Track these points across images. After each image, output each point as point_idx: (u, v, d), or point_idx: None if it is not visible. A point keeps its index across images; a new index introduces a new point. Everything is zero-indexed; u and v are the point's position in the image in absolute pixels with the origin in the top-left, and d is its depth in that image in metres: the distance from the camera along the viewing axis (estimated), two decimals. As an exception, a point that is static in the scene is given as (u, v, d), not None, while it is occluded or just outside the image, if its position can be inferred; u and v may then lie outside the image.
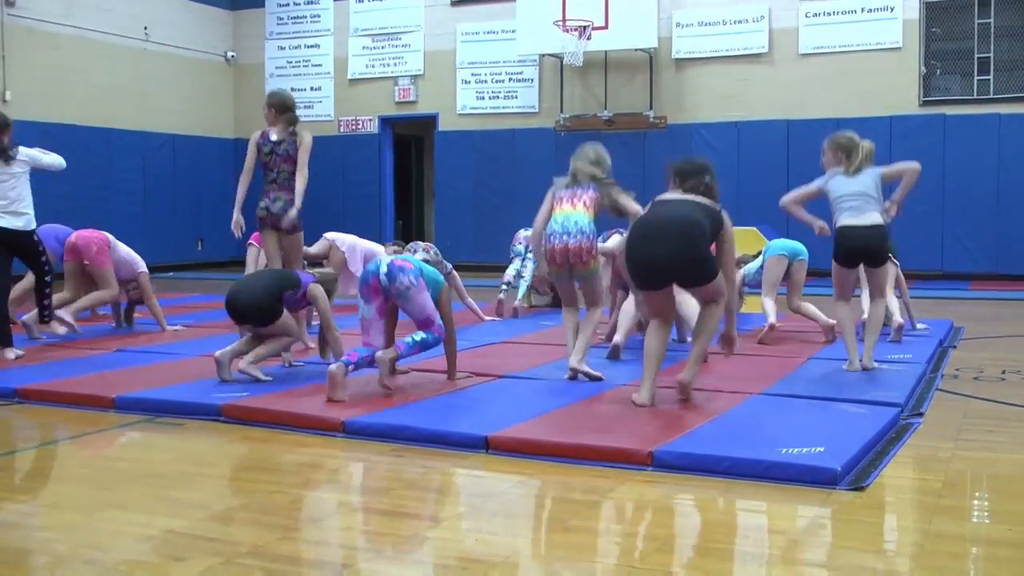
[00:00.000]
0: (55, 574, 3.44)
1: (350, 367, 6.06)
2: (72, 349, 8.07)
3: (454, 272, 9.99)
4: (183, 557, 3.51)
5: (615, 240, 9.17)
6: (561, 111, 16.90)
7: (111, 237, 9.01)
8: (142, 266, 9.12)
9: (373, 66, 18.83)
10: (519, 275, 10.55)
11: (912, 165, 6.90)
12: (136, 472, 4.84)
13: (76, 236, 8.88)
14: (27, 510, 4.23)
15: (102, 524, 3.96)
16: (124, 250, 9.04)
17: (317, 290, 6.97)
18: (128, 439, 5.48)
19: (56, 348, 8.11)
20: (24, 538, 3.84)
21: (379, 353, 6.15)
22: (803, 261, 8.57)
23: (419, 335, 6.29)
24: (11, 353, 7.59)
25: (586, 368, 6.54)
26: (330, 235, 10.83)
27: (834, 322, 7.77)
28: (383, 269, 6.26)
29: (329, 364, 6.20)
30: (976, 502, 4.38)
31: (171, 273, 17.13)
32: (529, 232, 9.35)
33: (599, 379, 6.49)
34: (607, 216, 6.84)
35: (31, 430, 5.87)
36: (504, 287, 10.47)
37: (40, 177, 7.97)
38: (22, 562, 3.58)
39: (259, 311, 6.68)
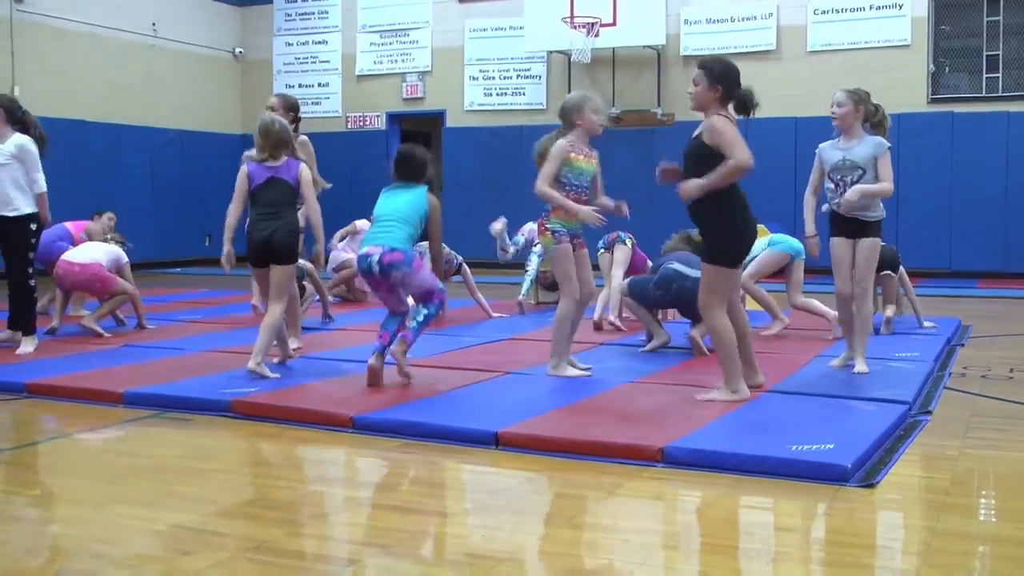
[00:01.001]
0: (63, 568, 3.45)
1: (385, 352, 6.30)
2: (80, 344, 8.08)
3: (465, 266, 10.00)
4: (190, 552, 3.52)
5: (622, 251, 9.19)
6: (569, 108, 16.87)
7: (99, 260, 8.78)
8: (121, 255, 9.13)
9: (381, 62, 18.83)
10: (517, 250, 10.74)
11: (888, 187, 6.51)
12: (144, 467, 4.84)
13: (71, 281, 8.70)
14: (35, 504, 4.25)
15: (110, 518, 3.96)
16: (110, 256, 8.97)
17: (305, 171, 6.79)
18: (136, 434, 5.48)
19: (65, 343, 8.12)
20: (32, 532, 3.85)
21: (392, 348, 6.26)
22: (802, 260, 8.61)
23: (421, 314, 6.38)
24: (30, 345, 7.69)
25: (566, 372, 6.56)
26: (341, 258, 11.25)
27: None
28: (376, 269, 6.31)
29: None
30: (983, 500, 4.37)
31: (179, 269, 17.16)
32: (534, 224, 9.34)
33: (586, 374, 6.57)
34: (611, 219, 6.79)
35: (40, 425, 5.88)
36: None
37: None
38: (31, 556, 3.58)
39: (288, 248, 6.67)
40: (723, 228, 5.73)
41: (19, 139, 7.55)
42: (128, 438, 5.43)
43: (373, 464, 4.96)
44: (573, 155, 6.39)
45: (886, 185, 6.47)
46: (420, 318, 6.38)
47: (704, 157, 5.68)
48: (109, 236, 9.48)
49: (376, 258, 6.29)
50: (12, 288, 7.64)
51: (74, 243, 9.52)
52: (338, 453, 5.12)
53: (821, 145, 6.74)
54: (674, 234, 8.43)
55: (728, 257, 5.77)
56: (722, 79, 5.74)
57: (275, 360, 6.87)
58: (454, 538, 3.76)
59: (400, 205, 6.45)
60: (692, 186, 5.63)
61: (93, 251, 8.91)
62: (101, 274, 8.71)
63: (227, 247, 6.76)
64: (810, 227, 6.79)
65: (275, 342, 6.80)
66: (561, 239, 6.47)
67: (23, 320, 7.68)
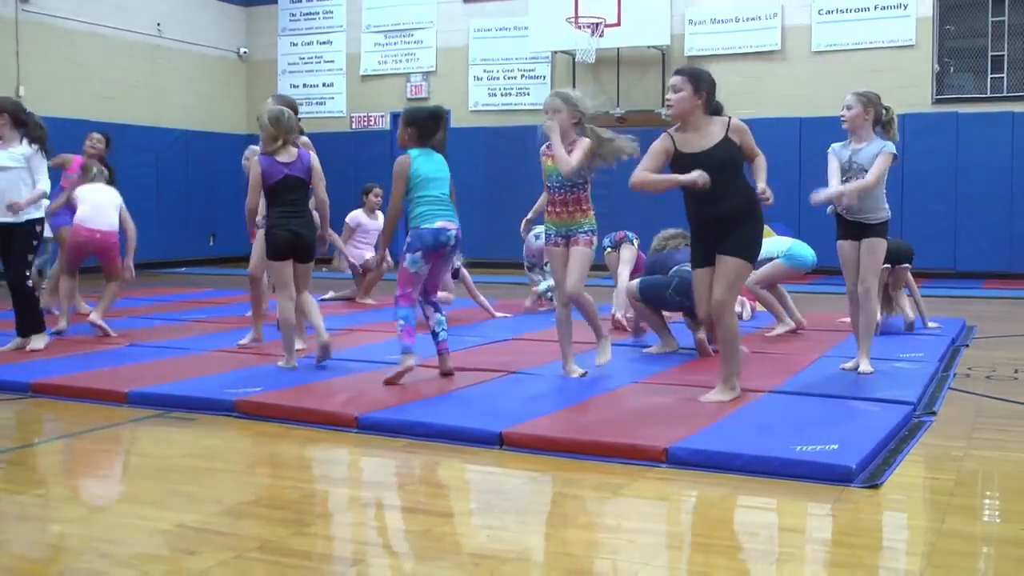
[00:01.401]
0: (68, 567, 3.45)
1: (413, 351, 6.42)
2: (85, 344, 8.09)
3: (463, 269, 9.99)
4: (195, 551, 3.52)
5: (629, 250, 9.18)
6: (573, 108, 16.89)
7: (116, 227, 8.81)
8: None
9: (385, 62, 18.85)
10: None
11: (866, 181, 6.45)
12: (149, 466, 4.85)
13: (93, 247, 8.70)
14: (40, 503, 4.25)
15: (115, 518, 3.97)
16: (118, 206, 8.93)
17: (315, 160, 7.10)
18: (141, 434, 5.49)
19: (70, 343, 8.12)
20: (37, 531, 3.85)
21: (447, 363, 6.59)
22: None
23: (444, 321, 6.67)
24: (41, 341, 7.70)
25: (568, 373, 6.58)
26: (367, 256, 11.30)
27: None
28: (452, 243, 6.50)
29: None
30: (988, 501, 4.37)
31: (183, 268, 17.18)
32: (540, 241, 9.30)
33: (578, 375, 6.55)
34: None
35: (45, 424, 5.89)
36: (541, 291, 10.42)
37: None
38: (35, 555, 3.59)
39: (314, 244, 7.08)
40: (756, 223, 5.79)
41: (29, 148, 7.56)
42: (133, 438, 5.44)
43: (378, 464, 4.97)
44: (543, 158, 6.50)
45: (867, 180, 6.40)
46: (446, 326, 6.66)
47: (739, 160, 5.78)
48: (94, 172, 9.20)
49: (454, 233, 6.48)
50: (12, 291, 7.64)
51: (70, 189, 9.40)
52: (343, 453, 5.13)
53: (833, 145, 6.72)
54: (664, 231, 8.39)
55: (757, 251, 5.88)
56: (709, 89, 5.73)
57: (280, 364, 6.91)
58: (458, 538, 3.77)
59: (446, 180, 6.58)
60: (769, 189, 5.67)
61: (107, 212, 8.80)
62: (118, 244, 8.82)
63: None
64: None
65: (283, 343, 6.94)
66: (549, 240, 6.54)
67: (29, 320, 7.69)
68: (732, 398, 5.74)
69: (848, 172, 6.54)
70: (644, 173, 5.77)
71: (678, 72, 5.83)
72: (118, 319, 9.37)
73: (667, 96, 5.81)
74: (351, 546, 3.74)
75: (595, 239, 6.49)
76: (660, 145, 5.79)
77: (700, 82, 5.70)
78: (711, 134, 5.72)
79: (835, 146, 6.70)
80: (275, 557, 3.48)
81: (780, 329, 8.48)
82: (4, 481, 4.60)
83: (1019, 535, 3.74)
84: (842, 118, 6.61)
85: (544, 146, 6.51)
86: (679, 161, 5.73)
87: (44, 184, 7.61)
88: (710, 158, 5.66)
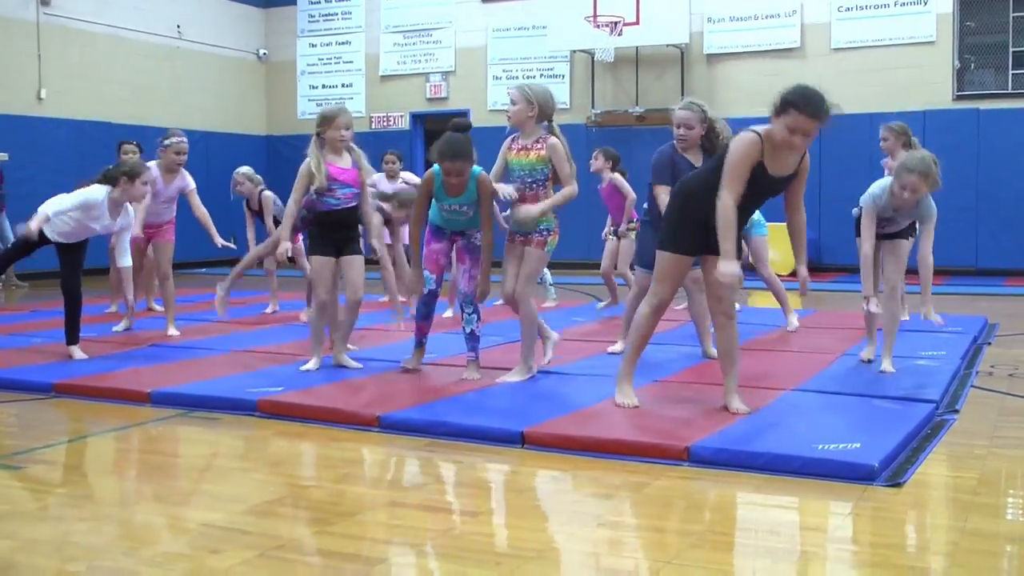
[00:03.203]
0: (92, 567, 3.47)
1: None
2: (107, 344, 8.13)
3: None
4: (219, 550, 3.54)
5: None
6: (592, 107, 16.90)
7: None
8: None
9: (404, 63, 18.88)
10: None
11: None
12: (172, 466, 4.87)
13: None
14: (64, 503, 4.27)
15: (138, 517, 3.99)
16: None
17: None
18: (163, 433, 5.52)
19: (92, 343, 8.15)
20: (61, 531, 3.87)
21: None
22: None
23: None
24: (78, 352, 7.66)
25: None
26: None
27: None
28: None
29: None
30: (1011, 500, 4.34)
31: (204, 269, 17.22)
32: None
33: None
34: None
35: (68, 424, 5.92)
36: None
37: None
38: (60, 554, 3.61)
39: None
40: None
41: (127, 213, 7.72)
42: (155, 437, 5.47)
43: (399, 463, 4.97)
44: (509, 150, 6.64)
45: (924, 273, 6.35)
46: None
47: None
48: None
49: None
50: (70, 299, 7.57)
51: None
52: (364, 452, 5.14)
53: (873, 190, 6.46)
54: None
55: None
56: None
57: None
58: (480, 537, 3.77)
59: None
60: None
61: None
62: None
63: None
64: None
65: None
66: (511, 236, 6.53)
67: (72, 329, 7.63)
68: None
69: (885, 212, 6.41)
70: (730, 202, 5.13)
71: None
72: (139, 320, 9.41)
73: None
74: (373, 545, 3.75)
75: (550, 239, 6.37)
76: (748, 152, 5.17)
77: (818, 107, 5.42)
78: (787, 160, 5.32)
79: (875, 192, 6.42)
80: (298, 556, 3.50)
81: (793, 322, 8.49)
82: (28, 480, 4.63)
83: (1044, 533, 3.73)
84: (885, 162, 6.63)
85: (509, 139, 6.53)
86: (761, 179, 5.22)
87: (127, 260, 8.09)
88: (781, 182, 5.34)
